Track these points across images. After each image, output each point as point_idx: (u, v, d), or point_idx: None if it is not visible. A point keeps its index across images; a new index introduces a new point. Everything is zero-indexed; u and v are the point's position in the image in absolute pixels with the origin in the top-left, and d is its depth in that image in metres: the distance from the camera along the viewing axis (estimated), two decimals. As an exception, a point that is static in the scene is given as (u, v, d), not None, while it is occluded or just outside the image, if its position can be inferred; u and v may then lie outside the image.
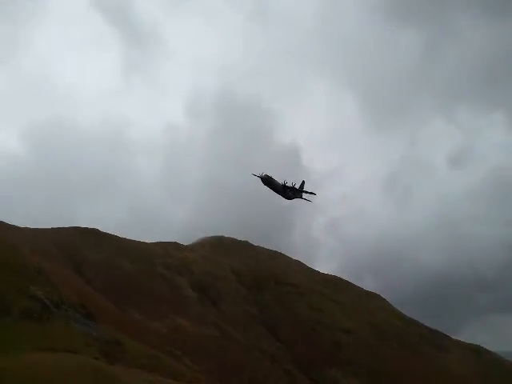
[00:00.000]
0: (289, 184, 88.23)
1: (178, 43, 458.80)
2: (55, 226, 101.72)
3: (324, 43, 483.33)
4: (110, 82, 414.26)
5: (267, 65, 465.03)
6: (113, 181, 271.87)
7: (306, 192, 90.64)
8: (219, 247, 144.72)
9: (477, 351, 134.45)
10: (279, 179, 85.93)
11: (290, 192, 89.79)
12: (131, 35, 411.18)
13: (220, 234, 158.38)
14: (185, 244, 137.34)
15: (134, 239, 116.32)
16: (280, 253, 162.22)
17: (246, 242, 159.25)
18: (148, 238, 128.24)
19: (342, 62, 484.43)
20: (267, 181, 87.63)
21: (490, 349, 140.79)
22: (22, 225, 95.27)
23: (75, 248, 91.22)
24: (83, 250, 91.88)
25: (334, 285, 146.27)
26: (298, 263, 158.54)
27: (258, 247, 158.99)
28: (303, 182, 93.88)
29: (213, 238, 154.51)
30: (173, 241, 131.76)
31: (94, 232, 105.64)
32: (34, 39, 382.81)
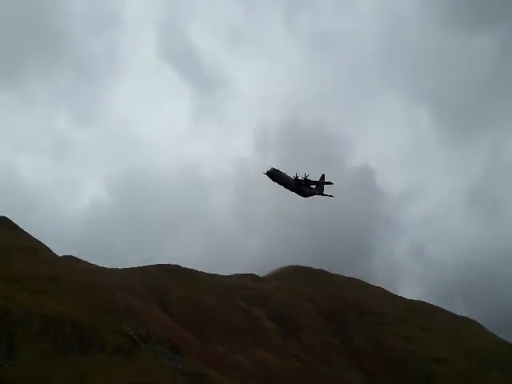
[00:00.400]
0: (301, 177, 75.29)
1: (243, 82, 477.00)
2: (140, 264, 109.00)
3: (389, 60, 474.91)
4: (182, 127, 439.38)
5: (331, 90, 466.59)
6: (190, 218, 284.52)
7: (322, 183, 78.11)
8: (295, 277, 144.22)
9: None
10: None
11: (305, 186, 77.22)
12: (199, 81, 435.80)
13: (295, 263, 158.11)
14: (261, 275, 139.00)
15: (211, 273, 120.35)
16: (359, 280, 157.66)
17: (323, 270, 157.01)
18: (225, 271, 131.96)
19: (410, 77, 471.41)
20: (275, 175, 75.69)
21: None
22: (111, 266, 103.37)
23: (159, 284, 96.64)
24: (166, 286, 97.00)
25: (422, 311, 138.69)
26: (380, 290, 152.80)
27: (335, 275, 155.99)
28: (323, 175, 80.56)
29: (288, 267, 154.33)
30: (249, 273, 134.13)
31: (176, 268, 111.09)
32: (113, 96, 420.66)
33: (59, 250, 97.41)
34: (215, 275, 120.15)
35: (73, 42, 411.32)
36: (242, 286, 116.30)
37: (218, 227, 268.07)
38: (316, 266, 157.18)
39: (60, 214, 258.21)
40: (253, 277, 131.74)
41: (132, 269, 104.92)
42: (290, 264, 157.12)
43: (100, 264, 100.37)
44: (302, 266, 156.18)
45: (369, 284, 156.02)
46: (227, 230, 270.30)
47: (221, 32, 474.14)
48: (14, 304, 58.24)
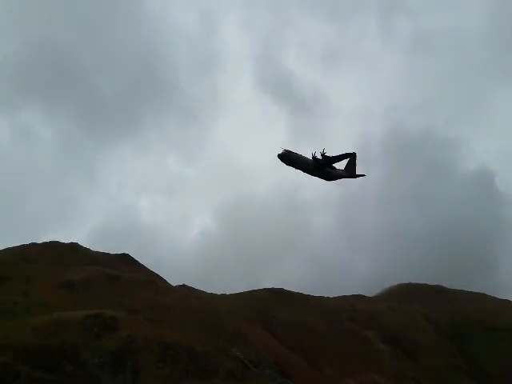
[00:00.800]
0: (318, 155, 63.39)
1: (340, 99, 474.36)
2: (247, 289, 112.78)
3: (500, 52, 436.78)
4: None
5: (437, 92, 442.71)
6: (293, 241, 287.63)
7: (342, 157, 65.20)
8: (408, 295, 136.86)
9: None
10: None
11: (327, 166, 64.25)
12: (295, 104, 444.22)
13: (407, 280, 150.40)
14: (370, 295, 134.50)
15: (318, 295, 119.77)
16: (483, 294, 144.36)
17: (439, 286, 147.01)
18: (331, 292, 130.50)
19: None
20: (289, 157, 64.86)
21: None
22: (220, 292, 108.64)
23: (266, 308, 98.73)
24: (273, 310, 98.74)
25: None
26: (510, 303, 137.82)
27: (453, 291, 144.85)
28: (354, 154, 68.03)
29: (400, 285, 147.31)
30: (357, 293, 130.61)
31: (281, 292, 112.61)
32: (217, 132, 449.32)
33: (173, 280, 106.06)
34: (321, 297, 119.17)
35: (178, 88, 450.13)
36: (351, 308, 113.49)
37: (322, 249, 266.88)
38: (431, 282, 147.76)
39: (174, 247, 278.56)
40: (361, 298, 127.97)
41: (239, 294, 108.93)
42: (402, 282, 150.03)
43: (210, 291, 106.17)
44: (415, 284, 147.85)
45: (495, 297, 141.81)
46: (332, 250, 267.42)
47: (314, 53, 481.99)
48: (137, 333, 64.35)
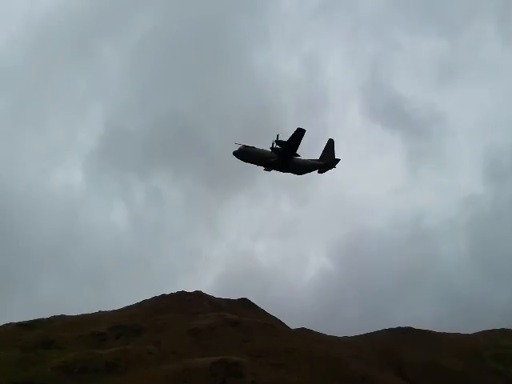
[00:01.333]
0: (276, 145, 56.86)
1: (459, 114, 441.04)
2: (370, 330, 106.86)
3: None
4: (398, 179, 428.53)
5: None
6: (419, 274, 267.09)
7: (295, 136, 56.27)
8: None
9: None
10: None
11: (290, 154, 56.20)
12: (409, 127, 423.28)
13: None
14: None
15: (452, 332, 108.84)
16: None
17: None
18: (468, 328, 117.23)
19: None
20: (246, 153, 59.04)
21: None
22: (341, 334, 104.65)
23: (392, 350, 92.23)
24: (401, 352, 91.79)
25: None
26: None
27: None
28: (331, 140, 61.37)
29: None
30: (499, 327, 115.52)
31: (409, 331, 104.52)
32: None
33: (292, 323, 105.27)
34: (456, 334, 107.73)
35: (288, 132, 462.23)
36: (493, 344, 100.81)
37: (453, 278, 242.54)
38: None
39: (291, 289, 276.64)
40: (506, 332, 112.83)
41: (362, 335, 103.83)
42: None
43: (330, 333, 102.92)
44: None
45: None
46: (465, 280, 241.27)
47: (426, 71, 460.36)
48: (260, 379, 65.10)
